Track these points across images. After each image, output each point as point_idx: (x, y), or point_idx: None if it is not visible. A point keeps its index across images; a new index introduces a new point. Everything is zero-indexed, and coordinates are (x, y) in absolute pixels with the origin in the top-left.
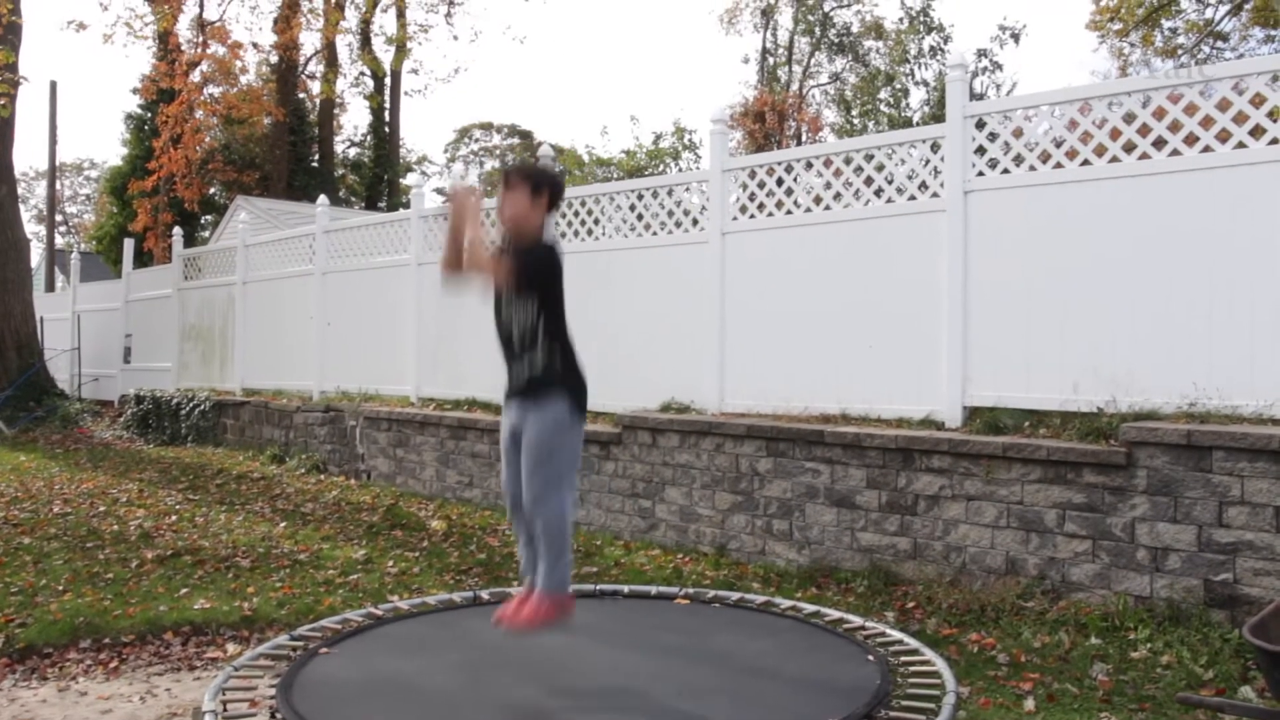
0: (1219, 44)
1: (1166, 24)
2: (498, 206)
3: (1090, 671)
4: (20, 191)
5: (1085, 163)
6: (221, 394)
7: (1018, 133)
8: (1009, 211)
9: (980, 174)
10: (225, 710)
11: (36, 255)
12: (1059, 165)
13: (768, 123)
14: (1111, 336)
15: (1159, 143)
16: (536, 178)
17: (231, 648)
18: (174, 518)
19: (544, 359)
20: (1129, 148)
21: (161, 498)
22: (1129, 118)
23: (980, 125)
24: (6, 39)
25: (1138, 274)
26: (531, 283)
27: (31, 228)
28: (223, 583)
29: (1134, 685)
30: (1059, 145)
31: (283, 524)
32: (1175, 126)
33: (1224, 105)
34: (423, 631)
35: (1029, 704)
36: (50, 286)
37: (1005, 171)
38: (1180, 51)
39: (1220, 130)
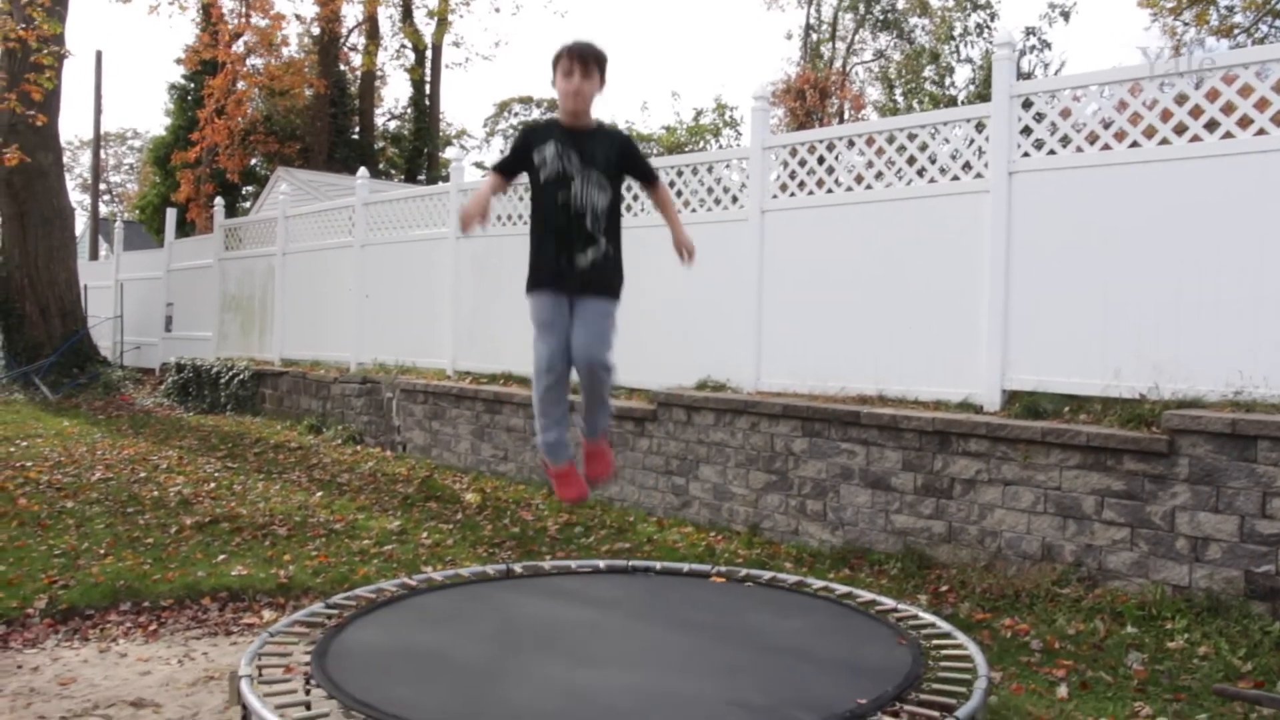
0: (1279, 22)
1: (1222, 1)
2: (568, 90)
3: (1125, 660)
4: (65, 160)
5: (1134, 145)
6: (260, 364)
7: (1065, 113)
8: (1054, 193)
9: (1025, 155)
10: (261, 675)
11: (81, 223)
12: (1106, 147)
13: (809, 100)
14: (1155, 322)
15: (1211, 125)
16: (604, 63)
17: (268, 614)
18: (213, 485)
19: (612, 244)
20: (1180, 130)
21: (200, 465)
22: (1180, 99)
23: (1027, 105)
24: (54, 10)
25: (1184, 259)
26: (620, 164)
27: (76, 196)
28: (260, 550)
29: (1169, 675)
30: (1107, 126)
31: (319, 494)
32: (1229, 109)
33: None
34: (455, 603)
35: (1062, 691)
36: (94, 255)
37: (1051, 153)
38: (1237, 31)
39: (1276, 113)
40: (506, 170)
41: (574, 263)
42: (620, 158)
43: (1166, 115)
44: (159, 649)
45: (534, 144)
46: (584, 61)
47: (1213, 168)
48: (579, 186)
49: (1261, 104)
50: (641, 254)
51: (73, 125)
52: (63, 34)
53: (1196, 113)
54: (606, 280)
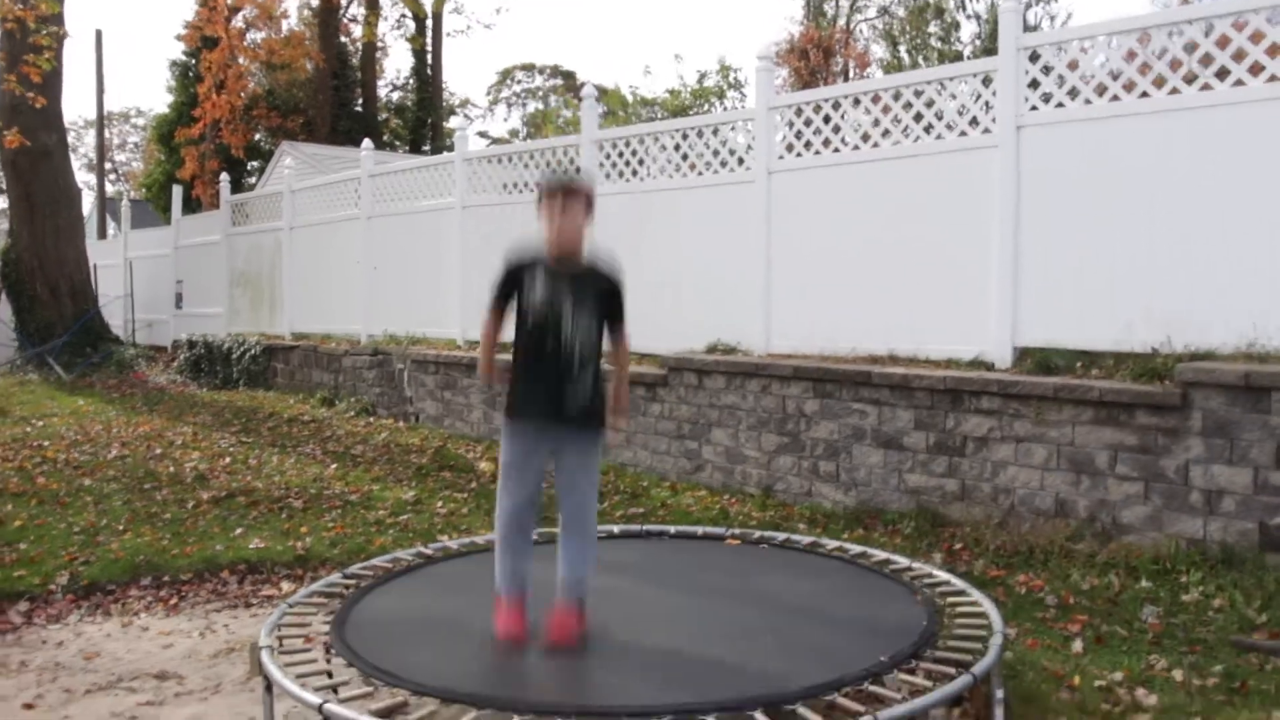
0: None
1: None
2: (556, 227)
3: (1140, 614)
4: (70, 140)
5: (1144, 95)
6: (271, 339)
7: (1073, 65)
8: (1063, 146)
9: (1033, 108)
10: (281, 645)
11: (87, 203)
12: (1115, 98)
13: (813, 60)
14: (1167, 275)
15: (1222, 73)
16: (589, 192)
17: (286, 585)
18: (228, 460)
19: (596, 383)
20: (1190, 79)
21: (215, 440)
22: (1190, 47)
23: (1034, 58)
24: None
25: (1195, 209)
26: (609, 309)
27: (82, 176)
28: (276, 523)
29: (1185, 628)
30: (1115, 77)
31: (333, 466)
32: (1240, 55)
33: None
34: (471, 570)
35: (1077, 645)
36: (102, 234)
37: (1059, 105)
38: None
39: None
40: (500, 305)
41: (562, 405)
42: (608, 299)
43: (1175, 65)
44: (180, 622)
45: (522, 278)
46: (563, 195)
47: (1224, 116)
48: (569, 329)
49: (1273, 50)
50: (648, 218)
51: (76, 105)
52: (61, 14)
53: (1207, 61)
54: (595, 414)
